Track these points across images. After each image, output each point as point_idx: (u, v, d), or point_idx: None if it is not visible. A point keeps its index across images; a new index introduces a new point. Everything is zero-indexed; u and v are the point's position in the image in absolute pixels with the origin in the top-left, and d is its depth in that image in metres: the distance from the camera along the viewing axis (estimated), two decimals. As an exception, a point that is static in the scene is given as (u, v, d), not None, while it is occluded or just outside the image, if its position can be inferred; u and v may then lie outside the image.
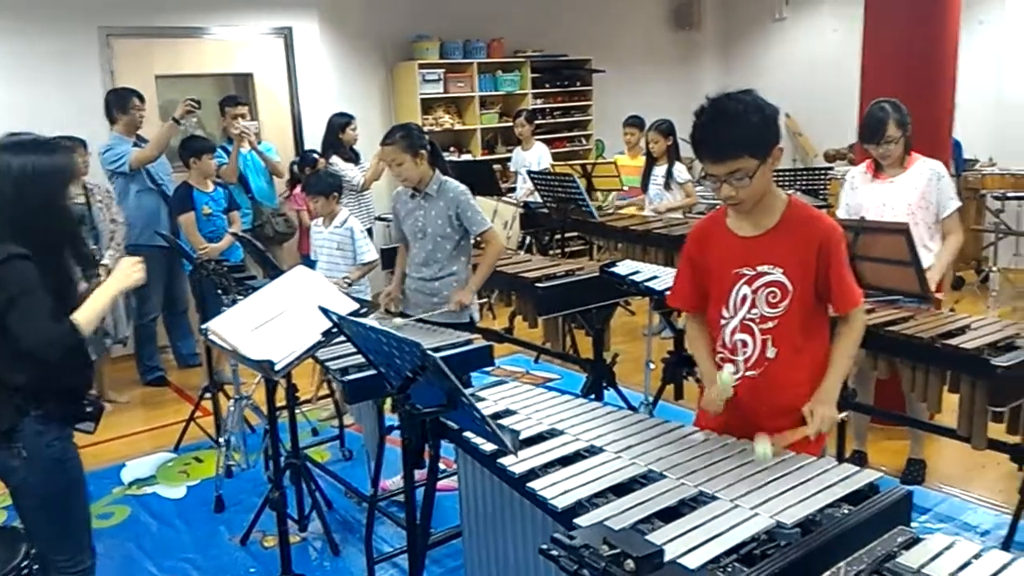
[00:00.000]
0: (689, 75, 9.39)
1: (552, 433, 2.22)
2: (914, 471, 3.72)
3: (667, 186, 5.74)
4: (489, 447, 2.09)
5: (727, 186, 2.05)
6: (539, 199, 6.05)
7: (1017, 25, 7.28)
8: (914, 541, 1.63)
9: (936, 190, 3.47)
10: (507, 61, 8.10)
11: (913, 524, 3.35)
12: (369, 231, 5.80)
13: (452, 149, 7.76)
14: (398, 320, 3.30)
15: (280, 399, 3.23)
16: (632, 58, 9.04)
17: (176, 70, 6.35)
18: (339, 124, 5.87)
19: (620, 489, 1.90)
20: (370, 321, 2.19)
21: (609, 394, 4.23)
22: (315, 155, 5.87)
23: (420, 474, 2.29)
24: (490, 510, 2.28)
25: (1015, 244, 6.88)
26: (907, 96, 3.56)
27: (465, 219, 3.55)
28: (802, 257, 2.10)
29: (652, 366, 3.92)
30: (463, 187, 3.59)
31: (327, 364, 2.79)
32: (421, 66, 7.45)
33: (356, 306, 2.38)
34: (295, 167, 6.03)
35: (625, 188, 6.45)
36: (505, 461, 2.04)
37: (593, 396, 4.10)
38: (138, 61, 6.12)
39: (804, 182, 7.08)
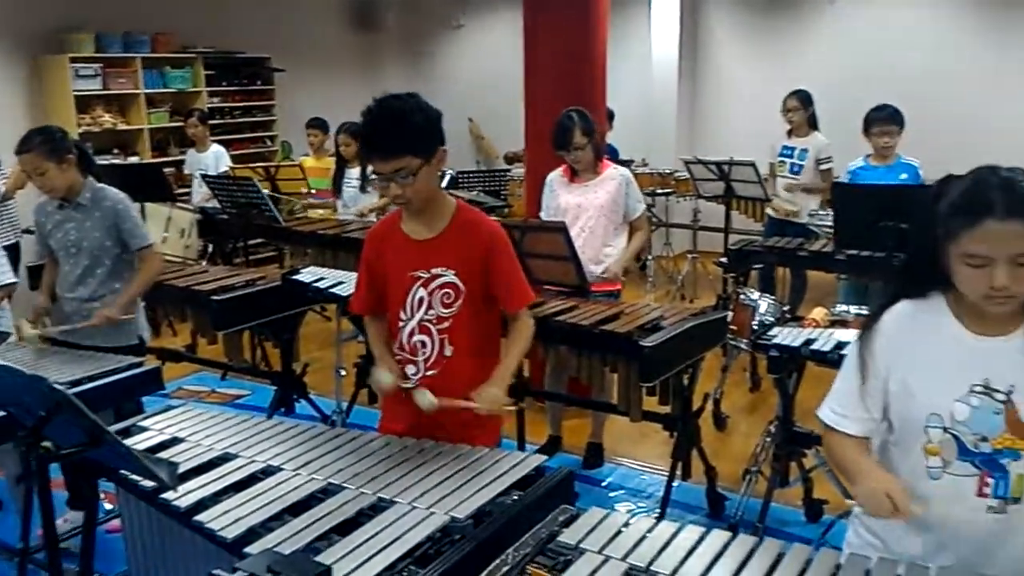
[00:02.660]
0: (375, 77, 9.43)
1: (225, 458, 2.09)
2: (593, 455, 4.04)
3: (363, 188, 5.70)
4: (150, 482, 1.91)
5: (394, 185, 2.09)
6: (218, 204, 5.70)
7: (661, 35, 8.23)
8: (574, 517, 1.74)
9: (625, 195, 3.78)
10: (177, 56, 7.54)
11: (594, 492, 3.70)
12: (15, 247, 5.11)
13: (116, 151, 7.07)
14: (41, 346, 2.90)
15: None
16: (316, 58, 8.87)
17: None
18: (-32, 124, 5.06)
19: (297, 508, 1.83)
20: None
21: (301, 405, 4.12)
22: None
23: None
24: (159, 549, 2.09)
25: (665, 235, 7.81)
26: (564, 105, 3.83)
27: (124, 231, 3.19)
28: (470, 259, 2.18)
29: (344, 372, 3.87)
30: (122, 195, 3.24)
31: (-50, 406, 2.37)
32: (73, 60, 6.69)
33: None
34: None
35: (312, 191, 6.31)
36: (169, 495, 1.87)
37: (284, 409, 3.97)
38: None
39: (487, 183, 7.45)
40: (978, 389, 1.51)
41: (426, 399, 2.13)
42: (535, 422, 4.18)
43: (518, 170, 7.92)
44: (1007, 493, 1.52)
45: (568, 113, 3.69)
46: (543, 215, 3.88)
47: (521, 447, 3.50)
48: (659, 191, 7.37)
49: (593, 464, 3.99)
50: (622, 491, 3.80)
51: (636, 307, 3.37)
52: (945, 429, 1.54)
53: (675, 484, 3.42)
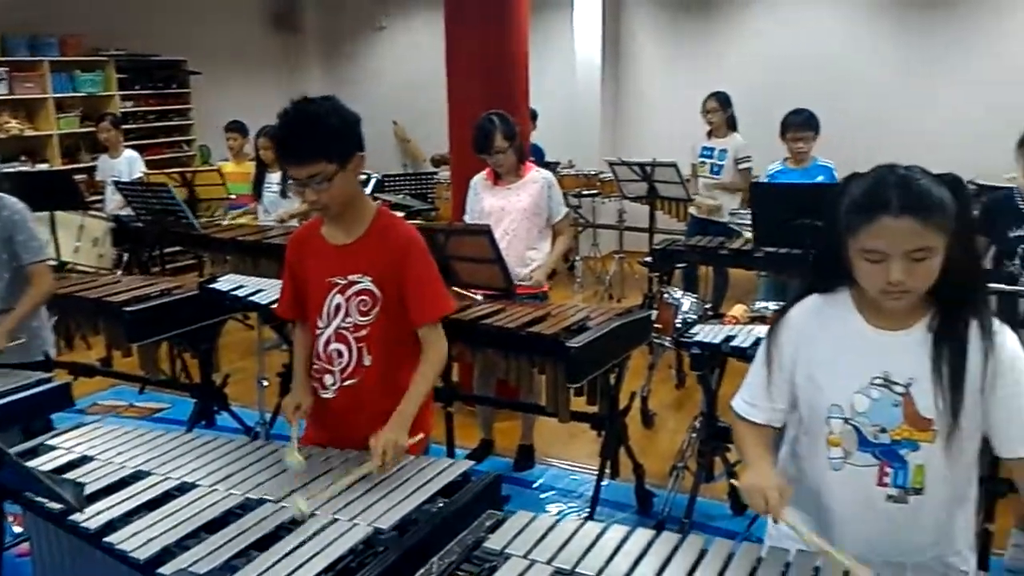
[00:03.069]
0: (295, 80, 9.28)
1: (137, 476, 2.02)
2: (523, 457, 4.04)
3: (284, 193, 5.58)
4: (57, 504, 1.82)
5: (310, 190, 2.05)
6: (132, 212, 5.51)
7: (584, 38, 8.30)
8: (500, 522, 1.73)
9: (547, 197, 3.78)
10: (87, 59, 7.27)
11: (525, 494, 3.69)
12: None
13: (24, 158, 6.80)
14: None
15: None
16: (234, 61, 8.68)
17: None
18: None
19: (214, 525, 1.78)
20: None
21: (224, 417, 4.01)
22: None
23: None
24: (70, 572, 2.00)
25: (592, 235, 7.89)
26: (487, 108, 3.82)
27: (16, 243, 3.03)
28: (386, 265, 2.15)
29: (266, 383, 3.77)
30: (21, 205, 3.08)
31: None
32: (-25, 64, 6.39)
33: None
34: None
35: (232, 196, 6.16)
36: (77, 517, 1.79)
37: (204, 422, 3.85)
38: None
39: (413, 187, 7.40)
40: (878, 381, 1.55)
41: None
42: (466, 426, 4.16)
43: (445, 173, 7.88)
44: (907, 483, 1.57)
45: (489, 116, 3.67)
46: (467, 218, 3.87)
47: (451, 452, 3.47)
48: (585, 192, 7.43)
49: (524, 466, 3.99)
50: (553, 492, 3.81)
51: (562, 308, 3.38)
52: (846, 420, 1.58)
53: (604, 483, 3.44)
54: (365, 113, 2.16)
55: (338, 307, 2.18)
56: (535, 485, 3.87)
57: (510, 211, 3.73)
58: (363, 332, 2.17)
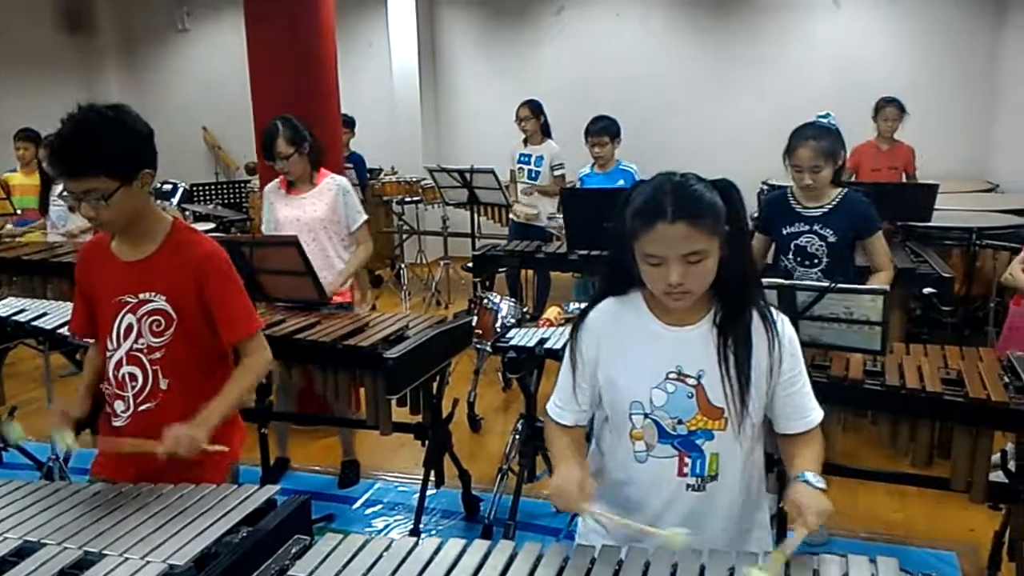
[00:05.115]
0: (92, 84, 8.63)
1: None
2: (349, 473, 3.94)
3: (73, 208, 5.16)
4: None
5: (86, 206, 1.91)
6: None
7: (400, 44, 8.25)
8: (307, 548, 1.67)
9: (343, 204, 3.67)
10: None
11: (349, 511, 3.60)
12: None
13: None
14: None
15: None
16: (20, 63, 7.95)
17: None
18: None
19: (-15, 575, 1.60)
20: None
21: (10, 454, 3.65)
22: None
23: None
24: None
25: (418, 242, 7.85)
26: (295, 114, 3.70)
27: None
28: (182, 283, 2.03)
29: (57, 412, 3.45)
30: None
31: None
32: None
33: None
34: None
35: (19, 211, 5.63)
36: None
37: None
38: None
39: (225, 196, 7.08)
40: (672, 376, 1.64)
41: (64, 440, 1.99)
42: (293, 446, 4.03)
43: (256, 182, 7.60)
44: (704, 471, 1.66)
45: (274, 121, 3.54)
46: (263, 229, 3.73)
47: (265, 468, 3.33)
48: (408, 199, 7.39)
49: (349, 482, 3.89)
50: (380, 506, 3.73)
51: (381, 318, 3.33)
52: (646, 415, 1.65)
53: (431, 492, 3.41)
54: (171, 119, 2.06)
55: (129, 327, 2.03)
56: (361, 501, 3.79)
57: (306, 221, 3.61)
58: (158, 354, 2.04)
